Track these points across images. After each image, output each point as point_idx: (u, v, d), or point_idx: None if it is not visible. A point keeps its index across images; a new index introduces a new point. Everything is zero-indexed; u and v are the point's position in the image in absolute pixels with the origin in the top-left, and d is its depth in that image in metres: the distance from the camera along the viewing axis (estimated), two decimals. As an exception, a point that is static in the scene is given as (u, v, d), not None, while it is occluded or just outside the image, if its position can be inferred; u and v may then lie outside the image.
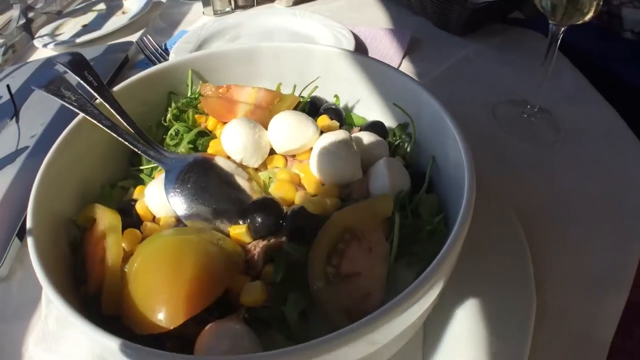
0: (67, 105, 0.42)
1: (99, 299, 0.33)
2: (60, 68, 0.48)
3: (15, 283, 0.47)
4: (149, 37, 0.82)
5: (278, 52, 0.50)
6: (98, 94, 0.44)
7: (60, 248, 0.37)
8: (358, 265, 0.30)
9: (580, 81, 0.69)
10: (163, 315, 0.27)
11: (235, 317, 0.29)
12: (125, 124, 0.42)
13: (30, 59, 0.87)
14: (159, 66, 0.49)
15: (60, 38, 0.91)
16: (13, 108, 0.69)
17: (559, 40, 0.54)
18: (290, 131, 0.39)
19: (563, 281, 0.43)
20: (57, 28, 0.96)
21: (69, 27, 0.96)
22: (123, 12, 0.99)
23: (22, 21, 0.94)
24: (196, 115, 0.46)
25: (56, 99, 0.43)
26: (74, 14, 1.01)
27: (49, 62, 0.80)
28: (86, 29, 0.94)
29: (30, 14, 0.98)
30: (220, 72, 0.50)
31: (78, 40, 0.88)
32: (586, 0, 0.48)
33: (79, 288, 0.35)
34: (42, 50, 0.89)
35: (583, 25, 0.98)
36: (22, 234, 0.51)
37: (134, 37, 0.89)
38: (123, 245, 0.34)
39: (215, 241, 0.32)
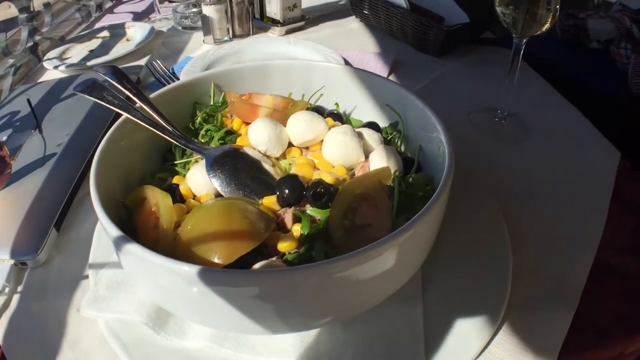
0: (111, 107, 0.50)
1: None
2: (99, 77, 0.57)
3: (53, 268, 0.54)
4: (158, 61, 0.92)
5: (286, 68, 0.61)
6: (137, 99, 0.53)
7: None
8: (368, 218, 0.40)
9: (546, 88, 0.83)
10: (219, 254, 0.36)
11: (275, 259, 0.39)
12: (164, 124, 0.52)
13: (41, 80, 0.96)
14: (186, 79, 0.60)
15: (70, 61, 1.01)
16: (35, 121, 0.77)
17: (522, 51, 0.66)
18: (305, 126, 0.50)
19: (537, 245, 0.53)
20: (64, 52, 1.05)
21: (76, 52, 1.05)
22: (127, 40, 1.09)
23: (30, 44, 1.03)
24: (223, 118, 0.56)
25: (99, 102, 0.50)
26: (78, 40, 1.11)
27: (60, 81, 0.90)
28: (93, 53, 1.04)
29: (37, 38, 1.07)
30: (237, 85, 0.61)
31: (88, 63, 0.97)
32: (542, 13, 0.60)
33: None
34: (52, 72, 0.98)
35: (552, 40, 1.13)
36: (59, 225, 0.59)
37: (140, 62, 1.00)
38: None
39: (253, 204, 0.42)
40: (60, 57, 1.02)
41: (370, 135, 0.51)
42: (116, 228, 0.38)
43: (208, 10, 1.02)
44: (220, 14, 1.03)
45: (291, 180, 0.44)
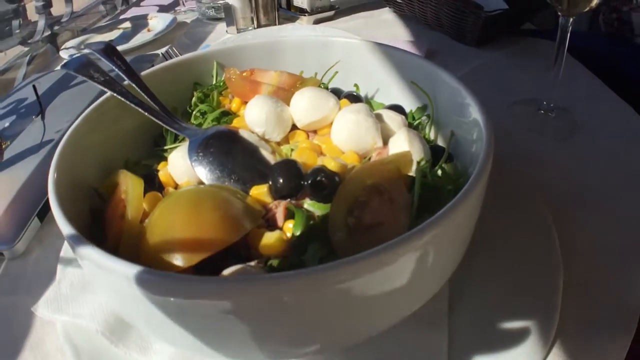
0: (96, 84, 0.43)
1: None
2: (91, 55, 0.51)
3: (31, 261, 0.49)
4: (175, 49, 0.85)
5: (299, 44, 0.52)
6: (127, 77, 0.46)
7: (81, 213, 0.38)
8: (380, 216, 0.31)
9: (593, 81, 0.71)
10: (179, 254, 0.28)
11: (254, 264, 0.29)
12: (153, 104, 0.44)
13: (61, 66, 0.91)
14: (184, 56, 0.52)
15: (86, 51, 0.95)
16: (39, 107, 0.72)
17: (569, 33, 0.55)
18: (311, 103, 0.40)
19: (590, 257, 0.42)
20: (82, 42, 1.00)
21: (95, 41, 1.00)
22: (148, 30, 1.03)
23: (47, 33, 0.99)
24: (220, 98, 0.47)
25: (84, 78, 0.44)
26: (99, 30, 1.06)
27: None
28: (112, 43, 0.98)
29: (55, 28, 1.03)
30: (244, 63, 0.52)
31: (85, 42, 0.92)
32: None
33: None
34: (69, 62, 0.93)
35: (596, 35, 1.01)
36: (43, 215, 0.53)
37: (160, 52, 0.93)
38: (144, 205, 0.35)
39: (235, 194, 0.33)
40: (78, 47, 0.97)
41: (391, 118, 0.42)
42: (61, 212, 0.30)
43: (231, -2, 0.94)
44: (244, 2, 0.95)
45: (287, 166, 0.35)
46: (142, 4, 1.27)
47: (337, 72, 0.49)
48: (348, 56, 0.50)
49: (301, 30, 0.93)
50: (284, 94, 0.44)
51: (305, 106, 0.40)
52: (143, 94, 0.45)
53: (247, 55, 0.52)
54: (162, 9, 1.21)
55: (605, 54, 0.90)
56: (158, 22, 1.05)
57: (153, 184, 0.39)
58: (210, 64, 0.52)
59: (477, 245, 0.36)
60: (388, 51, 0.48)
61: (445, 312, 0.36)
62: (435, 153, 0.40)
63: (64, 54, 0.93)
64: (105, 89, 0.43)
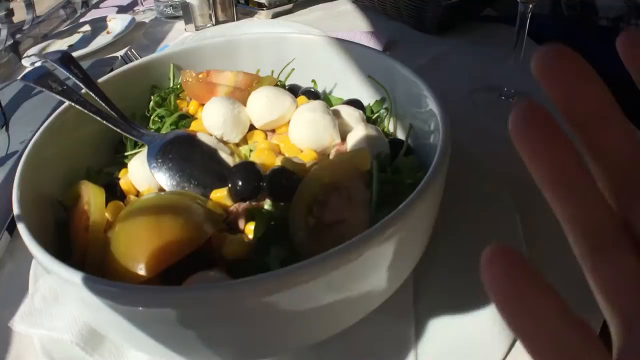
0: (54, 94, 0.43)
1: (83, 269, 0.33)
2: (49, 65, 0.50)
3: (4, 275, 0.48)
4: (133, 51, 0.84)
5: (256, 42, 0.52)
6: (84, 85, 0.45)
7: (47, 227, 0.38)
8: (340, 214, 0.31)
9: None
10: (143, 263, 0.28)
11: (218, 269, 0.30)
12: (110, 111, 0.44)
13: (19, 78, 0.89)
14: (141, 60, 0.51)
15: (43, 60, 0.93)
16: (3, 118, 0.70)
17: (528, 19, 0.56)
18: (267, 103, 0.40)
19: (555, 242, 0.43)
20: (44, 49, 0.97)
21: (56, 47, 0.98)
22: (107, 32, 1.01)
23: (10, 42, 0.96)
24: (178, 101, 0.47)
25: (44, 89, 0.44)
26: (59, 36, 1.03)
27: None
28: (72, 48, 0.96)
29: (17, 36, 1.00)
30: (202, 65, 0.51)
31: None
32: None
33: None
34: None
35: (558, 18, 1.02)
36: (12, 229, 0.52)
37: (118, 54, 0.92)
38: (107, 215, 0.35)
39: (196, 200, 0.33)
40: (40, 54, 0.95)
41: (349, 113, 0.42)
42: (27, 230, 0.30)
43: (188, -5, 0.93)
44: (202, -1, 0.94)
45: (245, 168, 0.35)
46: (101, 5, 1.24)
47: (293, 70, 0.49)
48: (304, 52, 0.51)
49: (259, 25, 0.92)
50: (240, 94, 0.44)
51: (262, 106, 0.41)
52: (101, 102, 0.44)
53: (204, 56, 0.52)
54: (121, 9, 1.18)
55: (569, 39, 0.91)
56: (117, 24, 1.03)
57: (115, 193, 0.39)
58: (167, 67, 0.51)
59: (441, 233, 0.38)
60: (344, 46, 0.49)
61: (411, 301, 0.36)
62: (394, 146, 0.40)
63: (26, 62, 0.91)
64: (64, 99, 0.43)
